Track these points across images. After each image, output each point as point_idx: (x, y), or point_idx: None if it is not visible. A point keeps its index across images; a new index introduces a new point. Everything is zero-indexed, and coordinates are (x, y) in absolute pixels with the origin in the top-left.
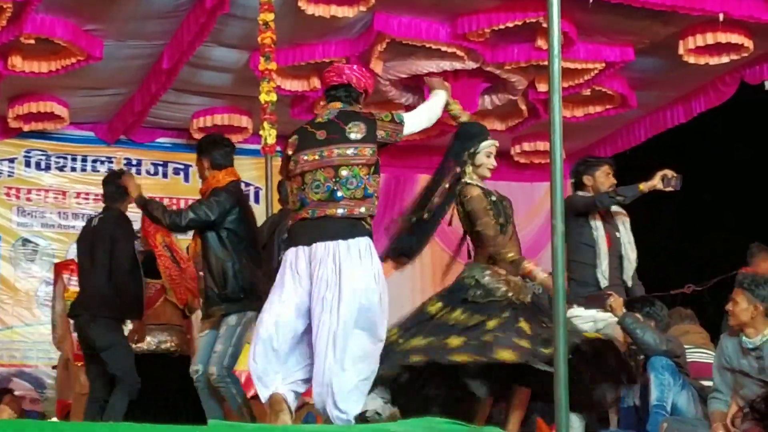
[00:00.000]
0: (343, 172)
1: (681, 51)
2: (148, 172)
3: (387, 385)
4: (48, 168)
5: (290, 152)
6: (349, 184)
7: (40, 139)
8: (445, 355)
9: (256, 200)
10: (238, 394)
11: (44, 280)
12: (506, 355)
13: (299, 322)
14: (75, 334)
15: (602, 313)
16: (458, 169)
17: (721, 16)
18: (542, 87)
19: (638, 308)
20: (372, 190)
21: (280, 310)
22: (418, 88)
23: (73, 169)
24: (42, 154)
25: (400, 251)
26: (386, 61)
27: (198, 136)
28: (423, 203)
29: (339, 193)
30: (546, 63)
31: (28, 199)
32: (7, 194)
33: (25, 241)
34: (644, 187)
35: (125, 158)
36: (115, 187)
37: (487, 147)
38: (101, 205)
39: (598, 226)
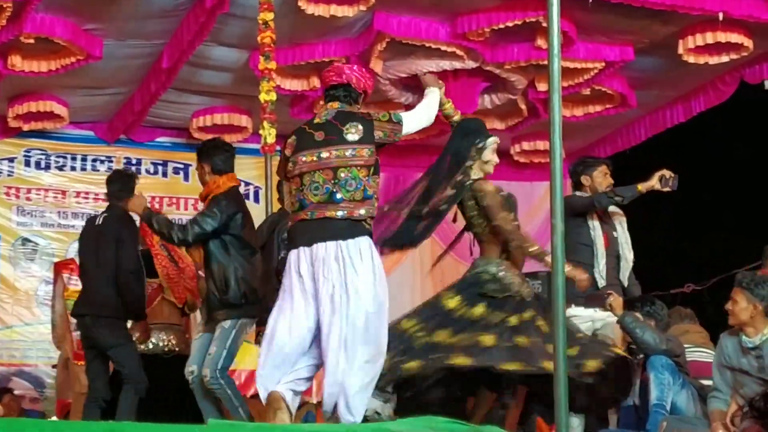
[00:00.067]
0: (342, 174)
1: (681, 50)
2: (147, 172)
3: (399, 382)
4: (48, 167)
5: (288, 153)
6: (348, 186)
7: (40, 138)
8: (493, 362)
9: (256, 199)
10: (233, 394)
11: (44, 280)
12: (551, 366)
13: (310, 326)
14: (75, 334)
15: (600, 312)
16: (458, 167)
17: (720, 16)
18: (542, 86)
19: (638, 307)
20: (372, 191)
21: (293, 318)
22: (417, 87)
23: (73, 169)
24: (42, 154)
25: (398, 244)
26: (386, 60)
27: (198, 135)
28: (424, 199)
29: (338, 195)
30: (546, 62)
31: (28, 199)
32: (7, 194)
33: (25, 241)
34: (642, 187)
35: (125, 157)
36: (120, 185)
37: (493, 143)
38: (101, 204)
39: (595, 226)
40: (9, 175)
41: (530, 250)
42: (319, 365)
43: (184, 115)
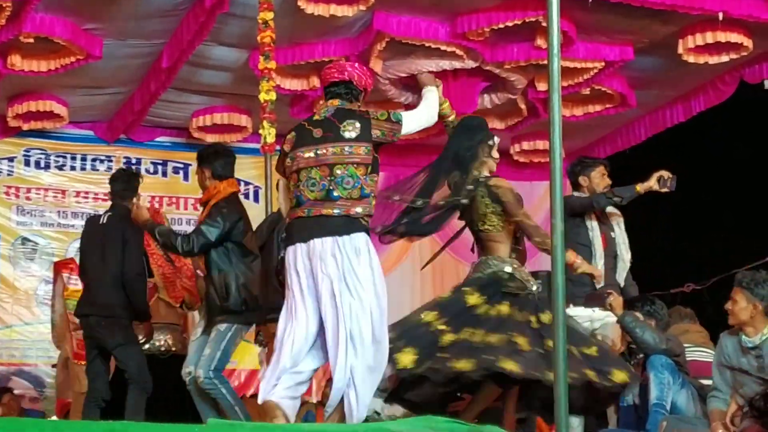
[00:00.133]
0: (338, 171)
1: (680, 50)
2: (147, 171)
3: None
4: (47, 167)
5: (287, 149)
6: (345, 184)
7: (40, 138)
8: (539, 374)
9: (256, 199)
10: (228, 393)
11: (44, 279)
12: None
13: (313, 328)
14: (75, 333)
15: (600, 312)
16: (464, 163)
17: (720, 15)
18: (542, 86)
19: (638, 307)
20: (369, 190)
21: (298, 325)
22: (417, 87)
23: (73, 168)
24: (41, 153)
25: (402, 232)
26: (386, 60)
27: (198, 135)
28: (424, 192)
29: (335, 193)
30: (545, 62)
31: (28, 198)
32: (7, 193)
33: (25, 240)
34: (641, 188)
35: (125, 157)
36: (124, 184)
37: (497, 141)
38: (101, 204)
39: (594, 226)
40: (9, 175)
41: (545, 248)
42: (319, 366)
43: (183, 114)
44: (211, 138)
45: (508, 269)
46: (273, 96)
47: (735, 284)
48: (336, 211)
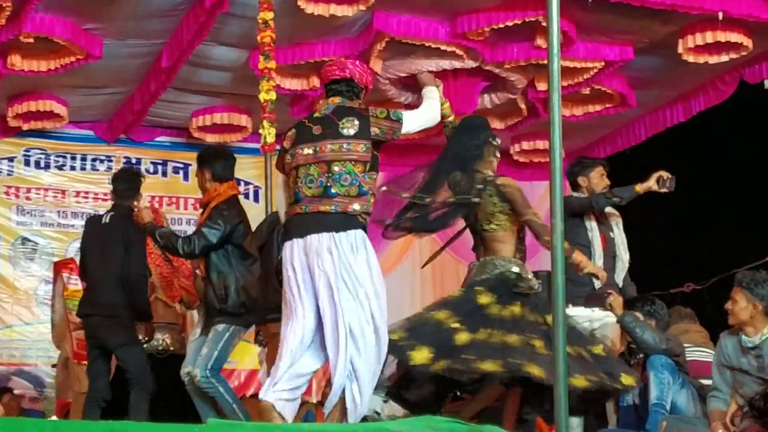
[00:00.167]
0: (336, 168)
1: (680, 50)
2: (147, 171)
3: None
4: (47, 167)
5: (287, 145)
6: (343, 181)
7: (40, 137)
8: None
9: (256, 199)
10: (226, 392)
11: (43, 279)
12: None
13: (312, 325)
14: (75, 333)
15: (599, 312)
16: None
17: (720, 15)
18: (542, 86)
19: (638, 307)
20: (367, 187)
21: (296, 325)
22: (417, 86)
23: (73, 168)
24: (41, 153)
25: (408, 228)
26: (385, 59)
27: (198, 135)
28: (426, 189)
29: (333, 190)
30: (545, 62)
31: (28, 198)
32: (7, 193)
33: (25, 240)
34: (640, 188)
35: (125, 157)
36: (127, 184)
37: (499, 142)
38: (101, 203)
39: (593, 226)
40: (9, 175)
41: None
42: (320, 366)
43: (183, 114)
44: (211, 138)
45: (515, 269)
46: (273, 96)
47: (735, 284)
48: (333, 207)
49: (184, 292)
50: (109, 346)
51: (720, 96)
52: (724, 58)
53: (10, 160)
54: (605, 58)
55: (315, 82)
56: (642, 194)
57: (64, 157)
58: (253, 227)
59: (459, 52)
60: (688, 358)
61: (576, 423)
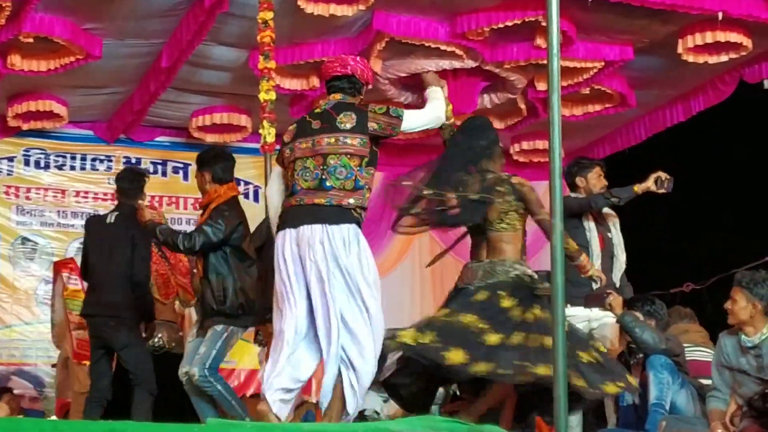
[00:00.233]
0: (331, 161)
1: (680, 50)
2: (147, 171)
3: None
4: (47, 167)
5: (287, 139)
6: (338, 174)
7: (39, 137)
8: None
9: (255, 199)
10: (224, 390)
11: (43, 279)
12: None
13: (306, 311)
14: (75, 333)
15: (597, 312)
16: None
17: (720, 15)
18: (541, 86)
19: (638, 307)
20: (363, 182)
21: (290, 318)
22: (417, 86)
23: (72, 168)
24: (41, 153)
25: (425, 221)
26: (385, 59)
27: (197, 135)
28: (433, 183)
29: (328, 183)
30: (545, 62)
31: (27, 198)
32: (6, 193)
33: (25, 240)
34: (638, 188)
35: (124, 157)
36: (131, 183)
37: None
38: (101, 203)
39: (591, 227)
40: (8, 175)
41: (574, 247)
42: (317, 363)
43: (183, 114)
44: (210, 138)
45: (529, 272)
46: (273, 96)
47: (734, 284)
48: (327, 200)
49: (181, 289)
50: (114, 346)
51: (720, 96)
52: (724, 58)
53: (10, 159)
54: (605, 58)
55: (315, 82)
56: (640, 194)
57: (64, 156)
58: (253, 227)
59: (459, 52)
60: (687, 358)
61: (575, 423)
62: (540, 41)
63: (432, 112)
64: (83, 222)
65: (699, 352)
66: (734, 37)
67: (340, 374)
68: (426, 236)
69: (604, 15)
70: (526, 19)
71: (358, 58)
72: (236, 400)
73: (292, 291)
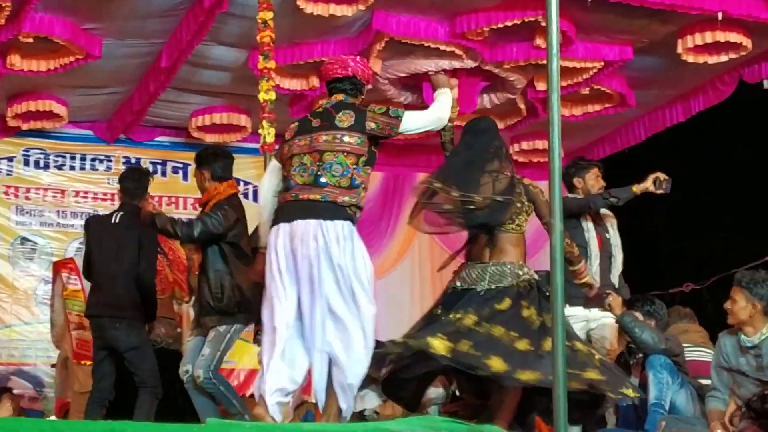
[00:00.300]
0: (327, 158)
1: (680, 50)
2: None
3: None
4: (47, 167)
5: (288, 137)
6: (333, 171)
7: (39, 137)
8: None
9: (255, 199)
10: (227, 390)
11: (43, 279)
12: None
13: (295, 304)
14: (74, 333)
15: (596, 312)
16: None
17: (719, 15)
18: (541, 86)
19: (638, 307)
20: (359, 181)
21: (286, 302)
22: (416, 87)
23: (72, 168)
24: (41, 153)
25: (452, 221)
26: (385, 59)
27: (197, 135)
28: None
29: (323, 179)
30: (545, 62)
31: (27, 198)
32: (6, 193)
33: (24, 240)
34: (637, 189)
35: (124, 157)
36: (135, 183)
37: None
38: (100, 203)
39: (589, 227)
40: (8, 175)
41: (577, 251)
42: (309, 362)
43: (183, 114)
44: (210, 138)
45: (535, 275)
46: (272, 96)
47: (734, 284)
48: (322, 197)
49: (177, 286)
50: (120, 348)
51: (719, 96)
52: (724, 58)
53: (10, 159)
54: (604, 58)
55: (314, 82)
56: (639, 195)
57: (64, 156)
58: (252, 226)
59: (458, 52)
60: (687, 358)
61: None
62: (540, 41)
63: (434, 114)
64: (83, 222)
65: (698, 352)
66: (734, 37)
67: (330, 373)
68: (426, 236)
69: (603, 15)
70: (526, 19)
71: (357, 59)
72: (237, 398)
73: (282, 285)
